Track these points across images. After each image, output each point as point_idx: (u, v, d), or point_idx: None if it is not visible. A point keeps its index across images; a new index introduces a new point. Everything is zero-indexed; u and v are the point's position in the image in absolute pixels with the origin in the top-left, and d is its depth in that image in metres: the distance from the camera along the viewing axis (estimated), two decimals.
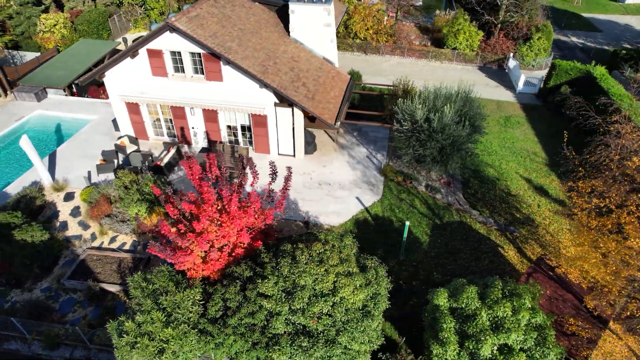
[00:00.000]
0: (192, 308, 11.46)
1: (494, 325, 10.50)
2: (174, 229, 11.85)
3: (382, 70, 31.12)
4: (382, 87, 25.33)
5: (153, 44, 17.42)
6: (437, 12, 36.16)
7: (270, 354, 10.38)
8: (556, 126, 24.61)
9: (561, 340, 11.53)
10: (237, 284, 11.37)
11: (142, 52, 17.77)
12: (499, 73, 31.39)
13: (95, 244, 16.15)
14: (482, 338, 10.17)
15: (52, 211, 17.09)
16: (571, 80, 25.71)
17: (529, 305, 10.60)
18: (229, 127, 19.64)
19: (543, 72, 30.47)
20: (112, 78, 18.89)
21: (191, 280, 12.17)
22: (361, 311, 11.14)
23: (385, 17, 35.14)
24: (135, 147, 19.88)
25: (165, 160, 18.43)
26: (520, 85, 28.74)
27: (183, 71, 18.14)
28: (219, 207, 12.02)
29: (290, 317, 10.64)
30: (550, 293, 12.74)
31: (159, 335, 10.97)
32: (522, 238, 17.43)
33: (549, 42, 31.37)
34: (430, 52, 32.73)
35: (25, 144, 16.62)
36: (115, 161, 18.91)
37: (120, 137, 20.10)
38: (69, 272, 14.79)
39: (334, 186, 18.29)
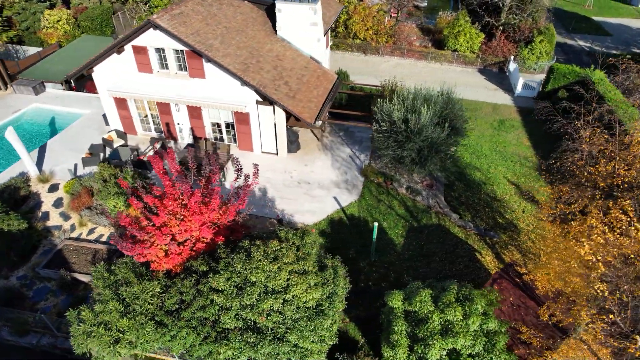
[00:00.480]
0: (152, 300, 11.62)
1: (444, 329, 10.37)
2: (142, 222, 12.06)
3: (379, 71, 30.96)
4: (371, 87, 25.18)
5: (137, 41, 17.70)
6: (440, 13, 35.78)
7: (218, 348, 10.46)
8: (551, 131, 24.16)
9: (518, 348, 11.32)
10: (193, 277, 11.50)
11: (128, 48, 18.08)
12: (498, 76, 30.93)
13: (74, 234, 16.49)
14: (431, 342, 10.06)
15: (36, 202, 17.53)
16: (569, 85, 25.15)
17: (481, 311, 10.43)
18: (213, 124, 19.82)
19: (544, 76, 29.91)
20: (100, 73, 19.27)
21: (154, 273, 12.34)
22: (314, 310, 11.13)
23: (386, 18, 34.96)
24: (122, 142, 20.23)
25: (149, 154, 18.69)
26: (519, 88, 28.27)
27: (167, 68, 18.39)
28: (183, 202, 12.17)
29: (241, 313, 10.70)
30: (514, 300, 12.52)
31: (116, 325, 11.17)
32: (502, 244, 17.15)
33: (552, 45, 30.73)
34: (430, 54, 32.43)
35: (10, 135, 17.09)
36: (102, 155, 19.28)
37: (108, 132, 20.49)
38: (45, 261, 15.14)
39: (313, 185, 18.30)
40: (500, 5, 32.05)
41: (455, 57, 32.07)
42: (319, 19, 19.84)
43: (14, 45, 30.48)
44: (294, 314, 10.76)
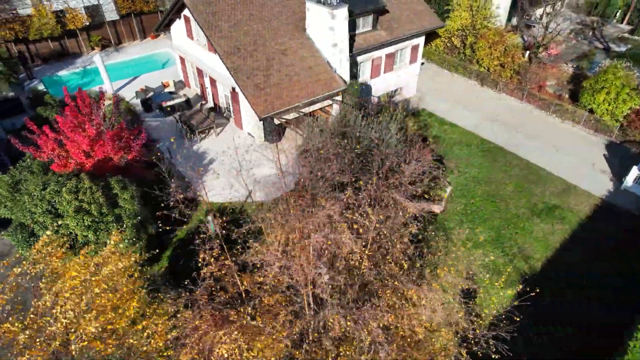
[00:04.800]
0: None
1: None
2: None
3: (479, 108, 26.85)
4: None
5: (185, 11, 21.55)
6: (603, 61, 27.51)
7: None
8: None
9: None
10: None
11: (182, 15, 22.21)
12: (628, 159, 22.57)
13: None
14: None
15: None
16: None
17: None
18: (223, 96, 22.45)
19: None
20: (174, 31, 24.22)
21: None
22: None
23: (527, 55, 29.33)
24: (173, 89, 25.11)
25: (169, 104, 22.89)
26: (629, 181, 20.48)
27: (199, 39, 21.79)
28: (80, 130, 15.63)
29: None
30: None
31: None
32: None
33: None
34: (553, 105, 26.09)
35: (97, 60, 23.83)
36: (151, 93, 24.57)
37: (167, 79, 25.72)
38: None
39: (250, 174, 19.00)
40: None
41: (584, 118, 24.91)
42: (338, 24, 19.51)
43: None
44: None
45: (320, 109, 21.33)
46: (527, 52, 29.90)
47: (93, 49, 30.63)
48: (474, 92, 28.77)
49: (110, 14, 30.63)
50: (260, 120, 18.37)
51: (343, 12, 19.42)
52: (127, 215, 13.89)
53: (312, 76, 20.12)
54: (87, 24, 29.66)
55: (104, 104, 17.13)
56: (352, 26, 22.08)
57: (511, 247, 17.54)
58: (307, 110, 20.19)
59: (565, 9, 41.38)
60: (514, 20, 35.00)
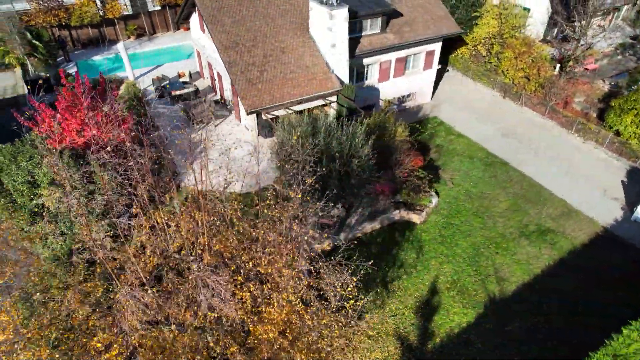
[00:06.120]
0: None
1: None
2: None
3: (490, 118, 25.73)
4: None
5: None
6: None
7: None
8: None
9: None
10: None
11: (197, 9, 23.14)
12: None
13: None
14: None
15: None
16: None
17: None
18: (228, 88, 23.14)
19: None
20: (192, 24, 25.29)
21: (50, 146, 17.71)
22: None
23: (555, 70, 27.53)
24: (188, 80, 26.23)
25: (178, 93, 23.97)
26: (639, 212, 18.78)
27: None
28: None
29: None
30: None
31: None
32: None
33: None
34: (577, 123, 24.35)
35: (120, 48, 25.44)
36: (166, 82, 25.82)
37: (183, 70, 26.88)
38: None
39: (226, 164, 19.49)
40: None
41: (609, 140, 23.06)
42: (336, 25, 19.47)
43: None
44: None
45: (316, 108, 21.39)
46: (558, 65, 28.07)
47: (129, 37, 32.66)
48: (494, 104, 27.50)
49: (151, 4, 32.53)
50: (247, 114, 18.81)
51: (342, 13, 19.35)
52: (100, 193, 14.83)
53: (307, 75, 20.25)
54: (125, 13, 31.66)
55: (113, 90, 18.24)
56: (359, 27, 21.94)
57: (486, 267, 16.69)
58: (298, 108, 20.36)
59: (622, 21, 38.35)
60: (555, 32, 32.94)
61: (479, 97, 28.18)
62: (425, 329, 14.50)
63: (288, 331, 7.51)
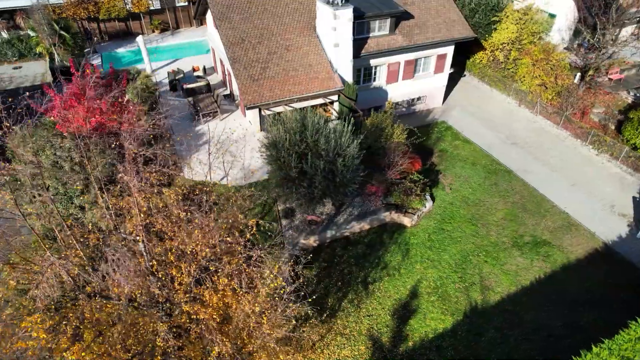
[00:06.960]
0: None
1: None
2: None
3: (501, 125, 25.16)
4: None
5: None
6: None
7: None
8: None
9: None
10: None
11: None
12: None
13: None
14: None
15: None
16: None
17: None
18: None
19: None
20: (208, 21, 26.05)
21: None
22: None
23: (575, 79, 26.55)
24: (201, 74, 27.03)
25: (190, 86, 24.76)
26: None
27: None
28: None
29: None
30: None
31: None
32: None
33: None
34: (592, 135, 23.46)
35: (140, 41, 26.50)
36: (181, 75, 26.70)
37: (197, 64, 27.71)
38: None
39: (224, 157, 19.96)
40: None
41: (624, 153, 22.10)
42: (340, 25, 19.63)
43: None
44: None
45: (320, 106, 21.61)
46: (579, 74, 27.05)
47: (153, 31, 33.95)
48: (507, 111, 26.85)
49: (178, 1, 33.76)
50: (247, 109, 19.25)
51: (347, 13, 19.48)
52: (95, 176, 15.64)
53: (310, 73, 20.49)
54: (151, 8, 32.93)
55: (114, 80, 19.16)
56: (367, 28, 21.99)
57: (472, 275, 16.42)
58: (298, 105, 20.62)
59: None
60: (581, 39, 31.70)
61: (492, 103, 27.60)
62: (400, 332, 14.46)
63: (218, 313, 7.83)
